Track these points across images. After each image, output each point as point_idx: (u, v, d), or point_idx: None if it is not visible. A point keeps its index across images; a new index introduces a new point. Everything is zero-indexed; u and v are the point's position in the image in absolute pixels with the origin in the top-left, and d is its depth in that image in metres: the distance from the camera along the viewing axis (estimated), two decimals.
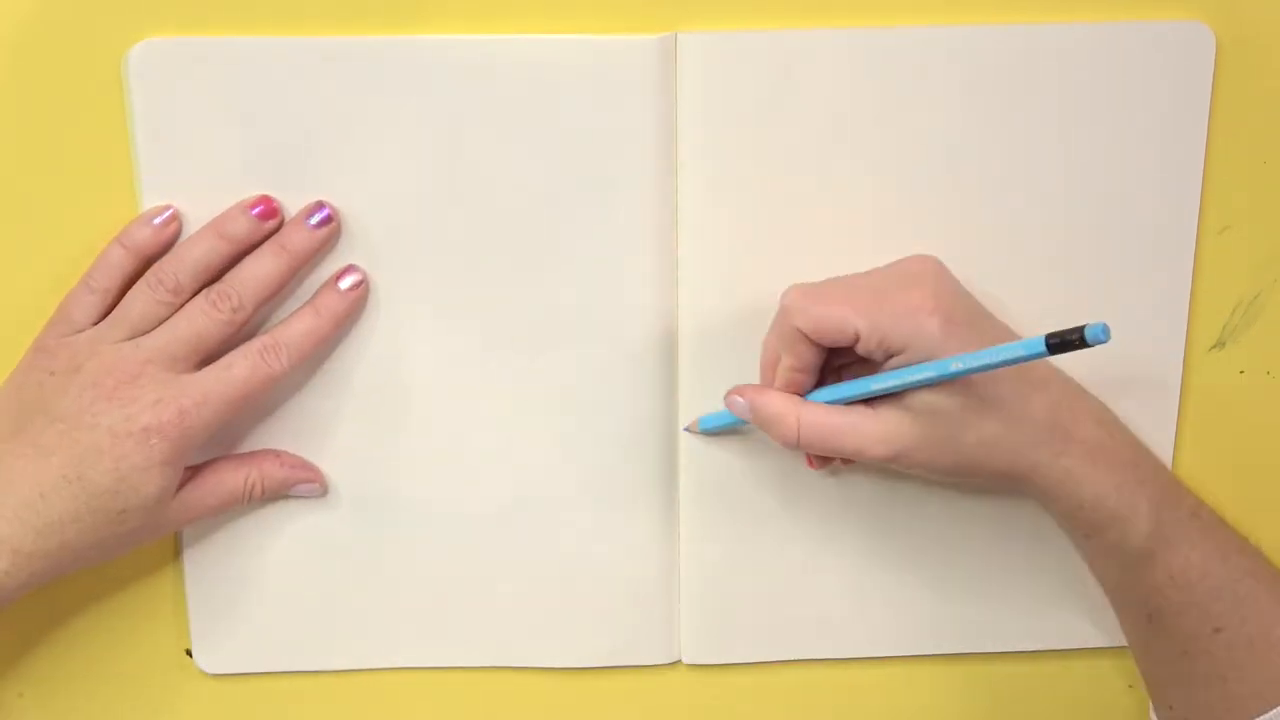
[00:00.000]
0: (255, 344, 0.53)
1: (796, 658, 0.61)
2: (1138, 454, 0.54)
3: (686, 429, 0.57)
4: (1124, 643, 0.61)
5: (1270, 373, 0.59)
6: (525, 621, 0.60)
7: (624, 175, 0.54)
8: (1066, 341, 0.46)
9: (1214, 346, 0.59)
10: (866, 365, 0.52)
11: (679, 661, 0.61)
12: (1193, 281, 0.57)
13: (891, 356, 0.51)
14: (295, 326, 0.54)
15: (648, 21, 0.53)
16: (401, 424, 0.57)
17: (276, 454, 0.57)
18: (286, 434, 0.57)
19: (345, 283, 0.54)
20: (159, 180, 0.54)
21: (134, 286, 0.53)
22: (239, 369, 0.52)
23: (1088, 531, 0.54)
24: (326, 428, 0.57)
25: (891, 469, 0.53)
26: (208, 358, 0.53)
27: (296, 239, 0.53)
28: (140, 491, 0.51)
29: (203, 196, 0.54)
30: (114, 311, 0.53)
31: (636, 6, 0.53)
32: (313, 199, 0.54)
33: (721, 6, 0.53)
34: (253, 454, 0.57)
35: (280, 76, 0.53)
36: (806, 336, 0.52)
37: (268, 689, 0.61)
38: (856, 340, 0.51)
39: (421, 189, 0.54)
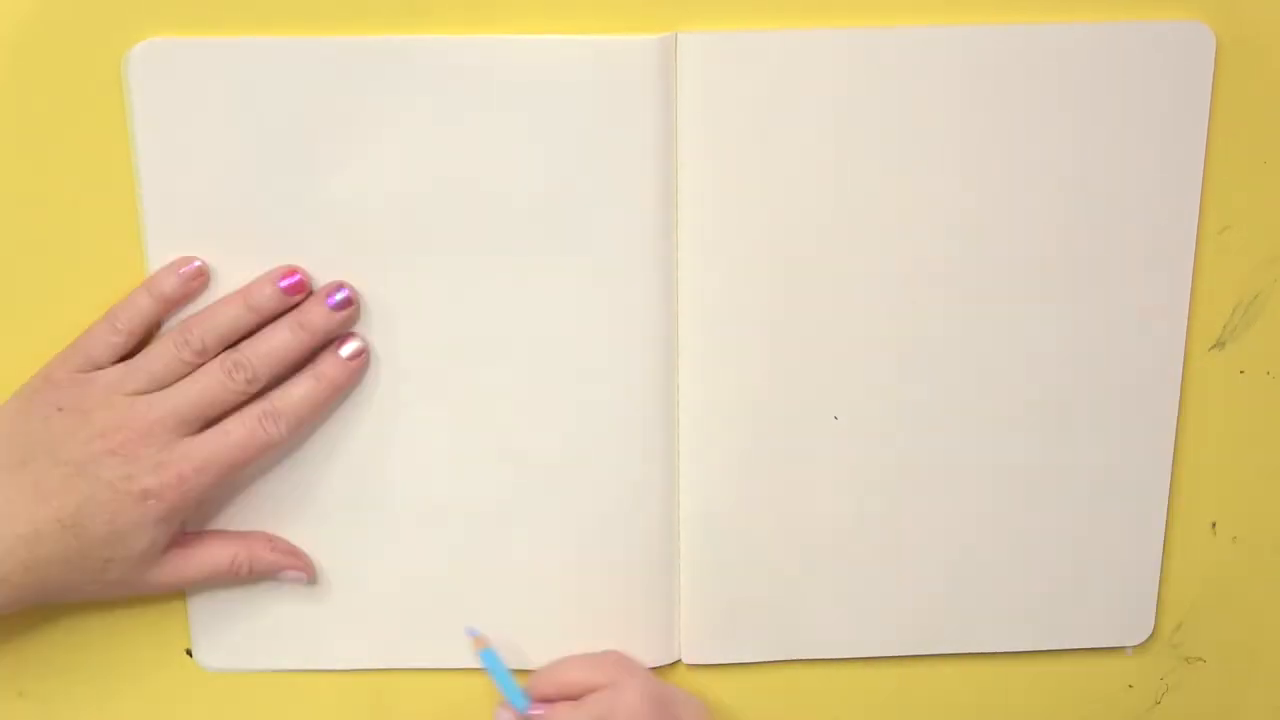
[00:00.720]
0: (255, 410, 0.54)
1: (796, 658, 0.61)
2: None
3: (471, 632, 0.59)
4: (1124, 642, 0.62)
5: (1270, 373, 0.59)
6: (526, 622, 0.60)
7: (624, 175, 0.54)
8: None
9: (1214, 346, 0.59)
10: None
11: (679, 661, 0.61)
12: (1193, 281, 0.57)
13: None
14: (294, 393, 0.54)
15: (648, 21, 0.53)
16: (401, 424, 0.57)
17: (269, 538, 0.57)
18: None
19: (346, 350, 0.55)
20: (159, 180, 0.54)
21: (160, 340, 0.54)
22: (236, 435, 0.53)
23: None
24: (326, 428, 0.57)
25: None
26: (211, 421, 0.54)
27: (315, 319, 0.54)
28: (129, 546, 0.52)
29: (202, 197, 0.54)
30: (135, 360, 0.53)
31: (636, 6, 0.53)
32: (312, 198, 0.54)
33: (721, 6, 0.53)
34: (245, 535, 0.57)
35: (280, 76, 0.53)
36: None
37: (268, 686, 0.61)
38: None
39: (421, 189, 0.54)
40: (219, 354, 0.53)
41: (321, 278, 0.55)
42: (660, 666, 0.61)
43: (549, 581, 0.59)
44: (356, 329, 0.55)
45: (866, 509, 0.59)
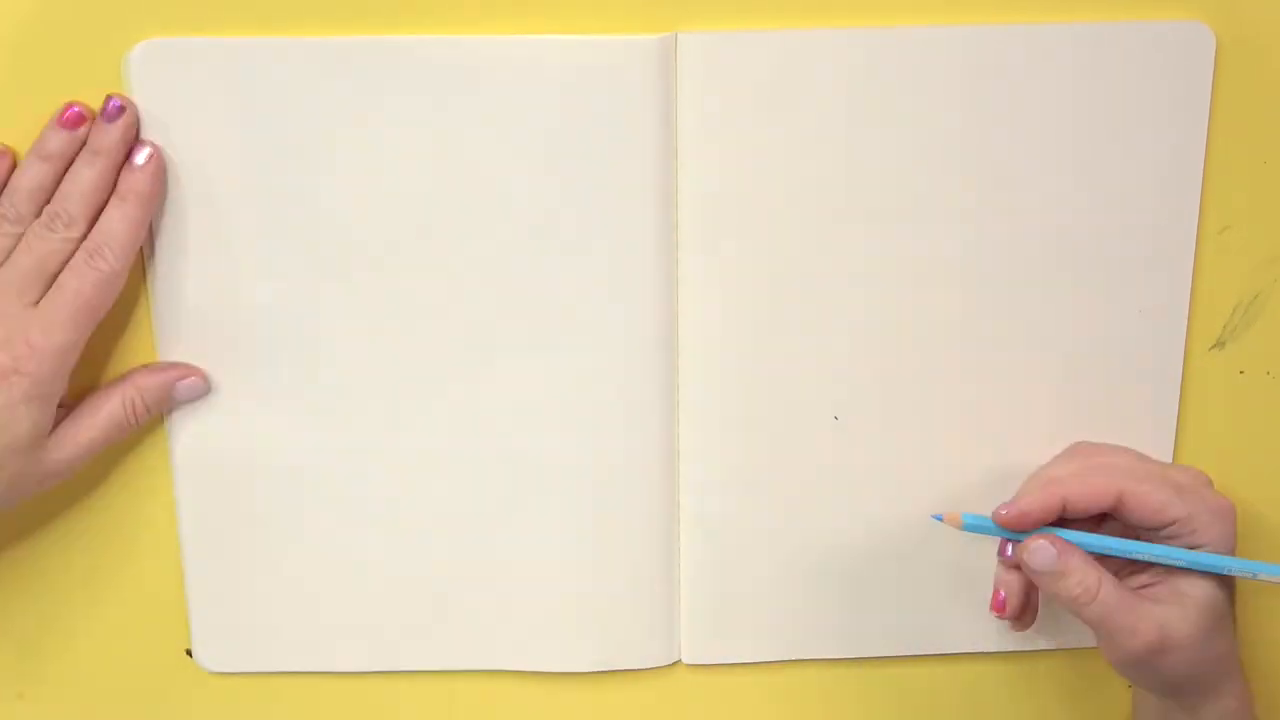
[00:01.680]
0: (80, 254, 0.52)
1: (796, 658, 0.61)
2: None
3: (938, 518, 0.56)
4: None
5: (1270, 373, 0.59)
6: (525, 623, 0.60)
7: (624, 176, 0.54)
8: None
9: (1214, 346, 0.59)
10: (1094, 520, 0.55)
11: (679, 661, 0.61)
12: (1193, 281, 0.57)
13: (1175, 539, 0.53)
14: (110, 222, 0.53)
15: (648, 21, 0.53)
16: (400, 424, 0.57)
17: (146, 366, 0.56)
18: (286, 429, 0.57)
19: (139, 157, 0.53)
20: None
21: None
22: (70, 284, 0.52)
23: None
24: (325, 429, 0.57)
25: (1129, 661, 0.54)
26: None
27: (102, 139, 0.52)
28: (9, 431, 0.51)
29: (202, 196, 0.54)
30: None
31: (636, 6, 0.53)
32: (313, 198, 0.54)
33: (721, 6, 0.53)
34: (124, 375, 0.56)
35: (280, 77, 0.53)
36: (1117, 503, 0.53)
37: (268, 688, 0.61)
38: (1169, 524, 0.53)
39: (421, 189, 0.54)
40: (35, 215, 0.52)
41: (321, 277, 0.55)
42: (660, 666, 0.61)
43: (549, 581, 0.59)
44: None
45: (866, 509, 0.59)
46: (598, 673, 0.61)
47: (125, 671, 0.61)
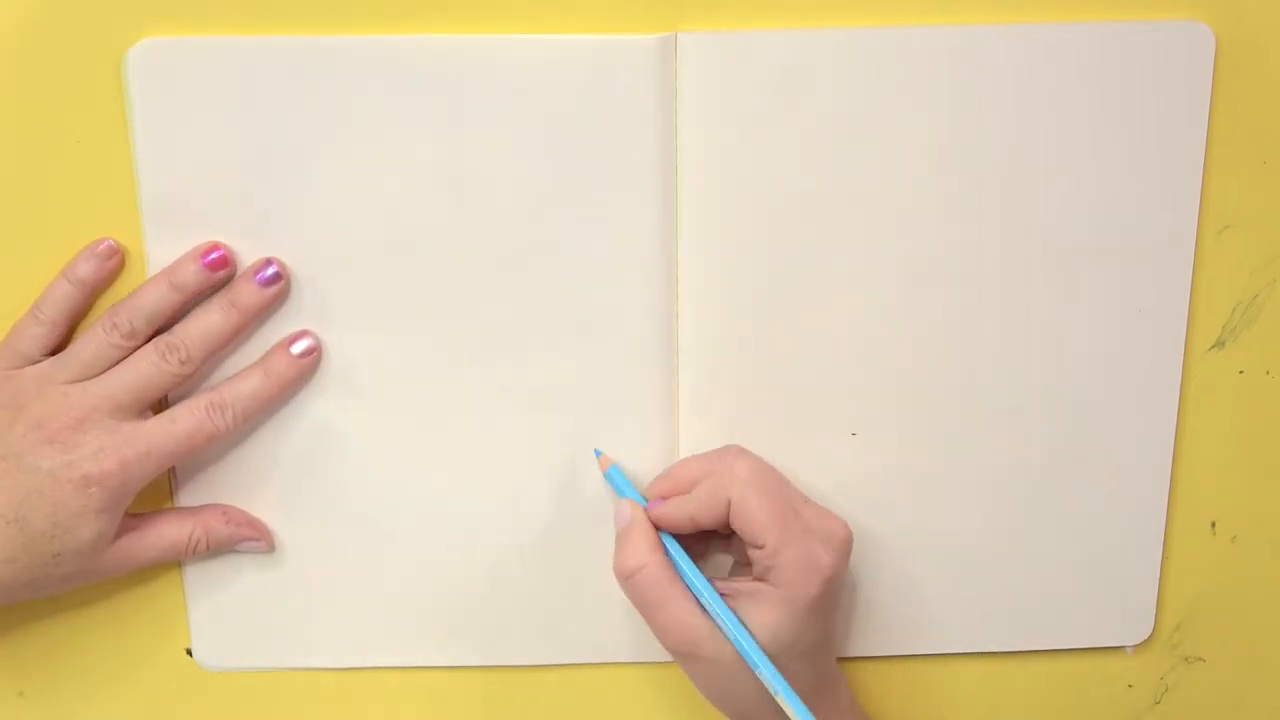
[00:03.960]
0: (202, 400, 0.53)
1: None
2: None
3: (597, 453, 0.57)
4: (1124, 642, 0.62)
5: (1270, 373, 0.59)
6: (525, 620, 0.60)
7: (624, 175, 0.54)
8: None
9: (1213, 346, 0.59)
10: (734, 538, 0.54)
11: None
12: (1192, 282, 0.57)
13: (763, 581, 0.53)
14: (242, 386, 0.54)
15: (648, 21, 0.53)
16: (399, 422, 0.57)
17: (223, 510, 0.57)
18: (289, 435, 0.57)
19: (297, 348, 0.55)
20: (158, 180, 0.54)
21: (89, 329, 0.53)
22: (183, 424, 0.53)
23: None
24: (326, 426, 0.57)
25: (671, 657, 0.54)
26: (152, 407, 0.53)
27: (244, 296, 0.54)
28: (76, 536, 0.51)
29: (201, 196, 0.54)
30: (66, 351, 0.53)
31: (636, 6, 0.53)
32: (311, 197, 0.54)
33: (721, 6, 0.53)
34: (199, 509, 0.57)
35: (280, 76, 0.53)
36: (725, 510, 0.53)
37: (268, 688, 0.61)
38: (758, 548, 0.53)
39: (421, 189, 0.54)
40: (148, 336, 0.53)
41: (320, 277, 0.55)
42: (660, 665, 0.61)
43: (549, 579, 0.59)
44: (311, 327, 0.55)
45: (865, 509, 0.59)
46: (598, 669, 0.61)
47: (125, 671, 0.61)
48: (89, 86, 0.53)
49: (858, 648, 0.61)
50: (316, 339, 0.55)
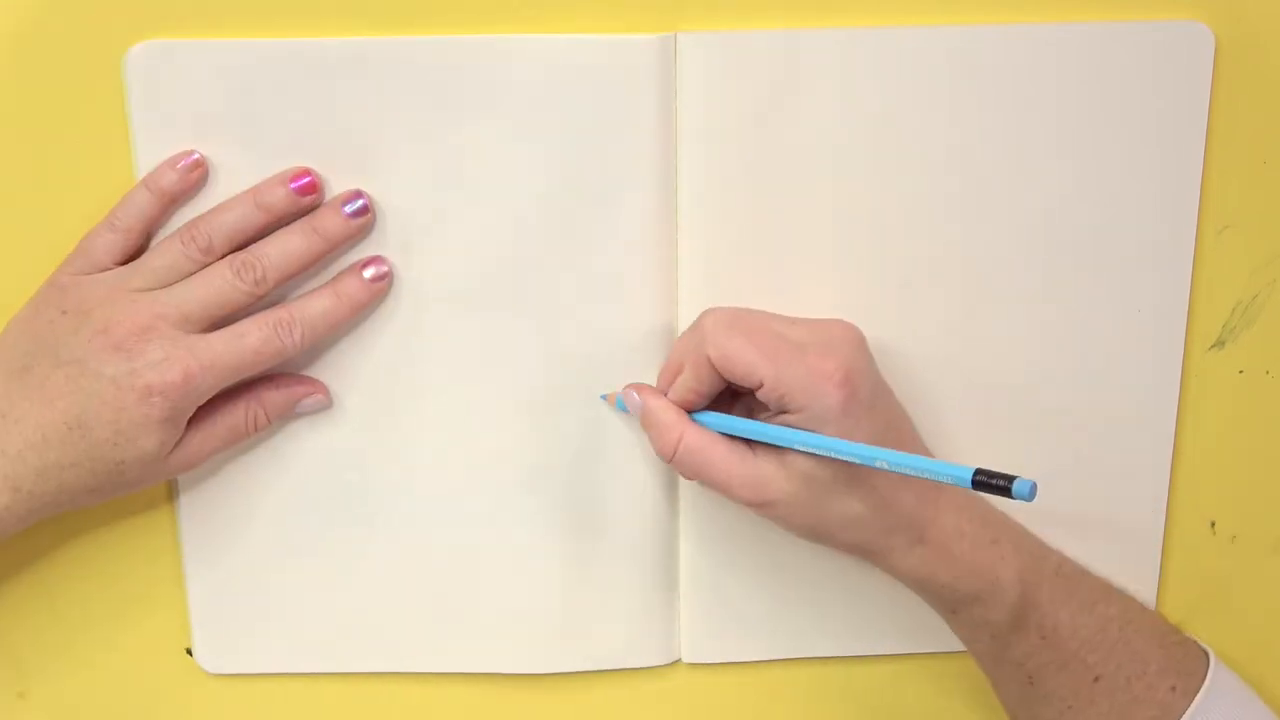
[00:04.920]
0: (271, 316, 0.52)
1: (796, 657, 0.61)
2: (998, 531, 0.54)
3: (604, 397, 0.57)
4: None
5: (1269, 372, 0.59)
6: (525, 623, 0.60)
7: (624, 175, 0.54)
8: (992, 484, 0.46)
9: (1213, 346, 0.59)
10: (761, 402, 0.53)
11: (679, 661, 0.61)
12: (1192, 281, 0.57)
13: (786, 412, 0.51)
14: (313, 306, 0.53)
15: (648, 21, 0.53)
16: (400, 425, 0.57)
17: (271, 379, 0.55)
18: (287, 429, 0.57)
19: (369, 272, 0.54)
20: None
21: (166, 239, 0.53)
22: (252, 339, 0.52)
23: (952, 608, 0.54)
24: (326, 430, 0.57)
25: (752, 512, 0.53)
26: (219, 322, 0.52)
27: (330, 224, 0.53)
28: (138, 446, 0.51)
29: (201, 197, 0.54)
30: (140, 259, 0.53)
31: (636, 6, 0.53)
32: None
33: (721, 6, 0.53)
34: (248, 386, 0.55)
35: (280, 77, 0.53)
36: (713, 366, 0.52)
37: (268, 690, 0.61)
38: (759, 387, 0.51)
39: (421, 189, 0.54)
40: (224, 254, 0.52)
41: (319, 275, 0.55)
42: (660, 666, 0.61)
43: (549, 581, 0.59)
44: (381, 251, 0.54)
45: None
46: (598, 672, 0.61)
47: (125, 671, 0.61)
48: (89, 86, 0.53)
49: (858, 648, 0.61)
50: (390, 265, 0.54)
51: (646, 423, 0.54)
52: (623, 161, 0.54)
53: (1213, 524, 0.61)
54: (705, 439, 0.52)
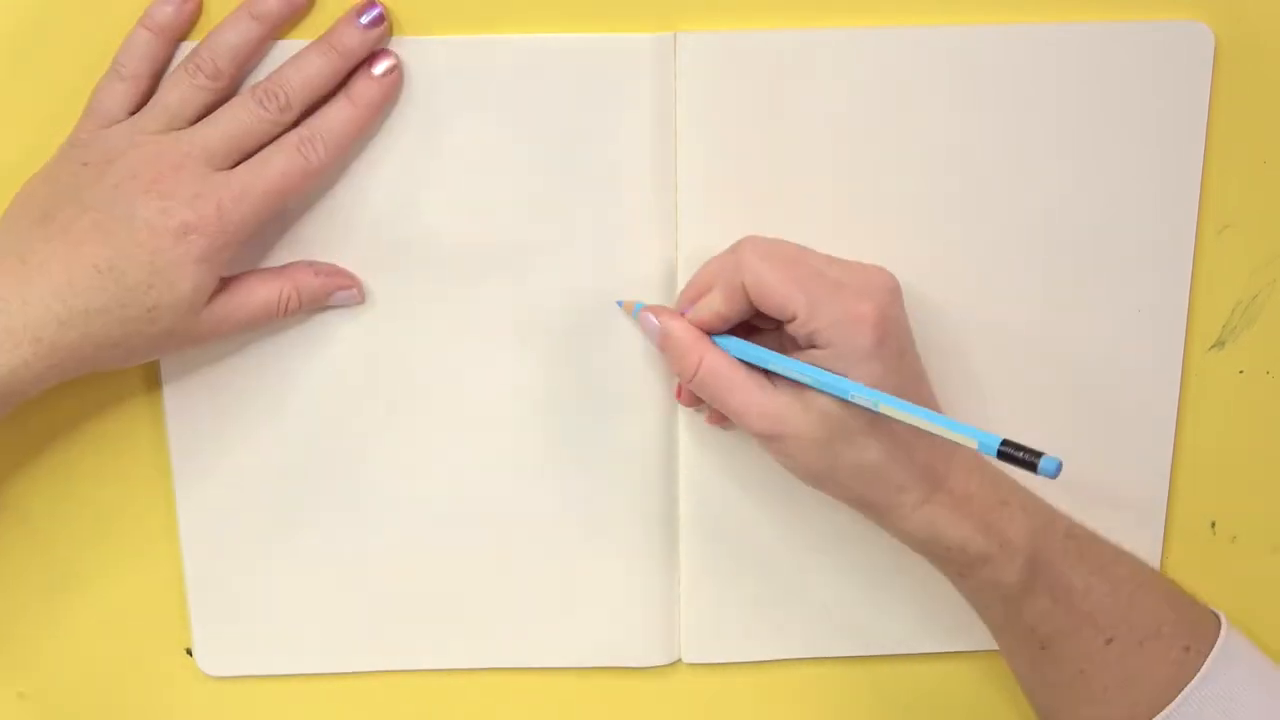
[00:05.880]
0: (291, 137, 0.51)
1: (796, 657, 0.61)
2: (1008, 493, 0.54)
3: (620, 304, 0.56)
4: None
5: (1270, 372, 0.59)
6: (525, 622, 0.60)
7: (623, 175, 0.54)
8: (1018, 457, 0.45)
9: (1213, 346, 0.59)
10: (783, 333, 0.52)
11: (679, 661, 0.61)
12: (1192, 281, 0.57)
13: (815, 348, 0.50)
14: (331, 116, 0.52)
15: (648, 21, 0.53)
16: (400, 424, 0.57)
17: (310, 264, 0.55)
18: (286, 429, 0.57)
19: (379, 68, 0.52)
20: None
21: (169, 73, 0.52)
22: (276, 162, 0.51)
23: (960, 571, 0.53)
24: (327, 426, 0.57)
25: (762, 446, 0.52)
26: (246, 156, 0.51)
27: (347, 39, 0.52)
28: (175, 288, 0.49)
29: None
30: (151, 101, 0.51)
31: (636, 6, 0.53)
32: (310, 199, 0.54)
33: (721, 6, 0.53)
34: (286, 267, 0.54)
35: None
36: (746, 293, 0.51)
37: (268, 691, 0.61)
38: (791, 320, 0.50)
39: (420, 189, 0.54)
40: (233, 77, 0.51)
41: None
42: (660, 666, 0.61)
43: (549, 580, 0.59)
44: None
45: None
46: (598, 671, 0.61)
47: (125, 671, 0.61)
48: (89, 86, 0.53)
49: (857, 647, 0.61)
50: (397, 57, 0.53)
51: (665, 344, 0.53)
52: (622, 162, 0.54)
53: (1213, 524, 0.61)
54: (727, 363, 0.52)
